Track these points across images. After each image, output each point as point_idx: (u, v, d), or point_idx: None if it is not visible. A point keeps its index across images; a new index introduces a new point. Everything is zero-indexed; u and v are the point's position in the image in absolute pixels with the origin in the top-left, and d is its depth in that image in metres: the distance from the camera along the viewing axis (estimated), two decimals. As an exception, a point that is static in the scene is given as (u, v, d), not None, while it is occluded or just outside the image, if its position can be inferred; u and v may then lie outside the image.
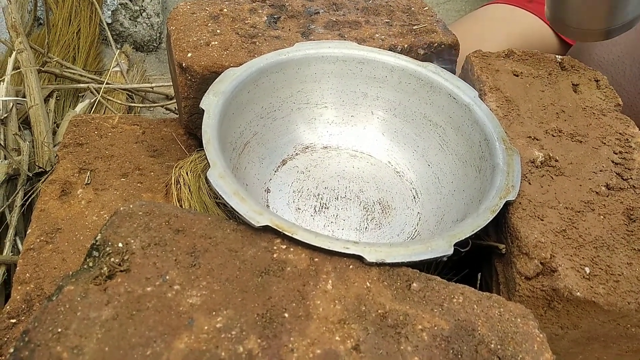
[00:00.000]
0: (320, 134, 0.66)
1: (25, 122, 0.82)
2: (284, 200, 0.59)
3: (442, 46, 0.69)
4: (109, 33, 1.17)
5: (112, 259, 0.41)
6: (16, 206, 0.70)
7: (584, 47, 0.84)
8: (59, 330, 0.36)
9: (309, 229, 0.44)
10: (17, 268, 0.54)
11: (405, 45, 0.67)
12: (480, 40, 0.93)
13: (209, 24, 0.67)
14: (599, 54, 0.81)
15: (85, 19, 1.13)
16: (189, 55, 0.61)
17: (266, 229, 0.43)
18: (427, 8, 0.75)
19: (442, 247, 0.44)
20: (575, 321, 0.46)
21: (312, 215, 0.58)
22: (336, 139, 0.66)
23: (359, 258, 0.42)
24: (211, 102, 0.53)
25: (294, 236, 0.43)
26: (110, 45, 1.17)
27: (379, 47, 0.66)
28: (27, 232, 0.57)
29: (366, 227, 0.58)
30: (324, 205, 0.59)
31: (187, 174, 0.62)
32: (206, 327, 0.37)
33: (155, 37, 1.26)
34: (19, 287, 0.52)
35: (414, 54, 0.67)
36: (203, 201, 0.60)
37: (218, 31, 0.66)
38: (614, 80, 0.76)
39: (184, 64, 0.60)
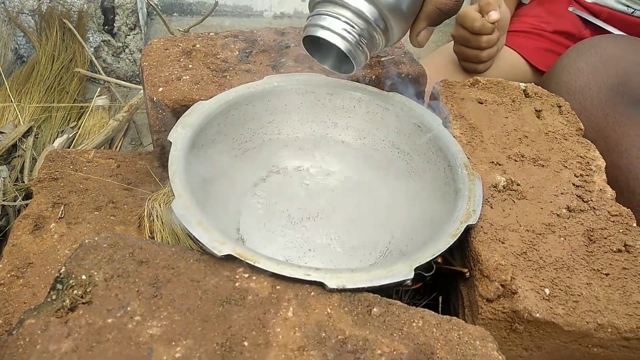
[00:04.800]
0: (292, 157, 0.67)
1: (2, 158, 0.83)
2: (255, 222, 0.60)
3: (409, 77, 0.71)
4: (98, 66, 1.19)
5: (75, 291, 0.41)
6: (-11, 242, 0.70)
7: (553, 75, 0.87)
8: (17, 364, 0.36)
9: (271, 256, 0.45)
10: (-13, 303, 0.54)
11: (374, 77, 0.69)
12: (452, 71, 0.96)
13: (181, 59, 0.69)
14: (567, 80, 0.84)
15: (68, 56, 1.15)
16: (160, 89, 0.63)
17: (229, 258, 0.44)
18: (395, 40, 0.77)
19: (403, 272, 0.45)
20: (538, 342, 0.47)
21: (282, 236, 0.59)
22: (308, 162, 0.68)
23: (321, 284, 0.43)
24: (179, 134, 0.55)
25: (256, 264, 0.43)
26: (96, 80, 1.19)
27: (348, 79, 0.68)
28: (-1, 268, 0.58)
29: (337, 247, 0.58)
30: (296, 225, 0.60)
31: (159, 206, 0.63)
32: (165, 358, 0.37)
33: (138, 73, 1.28)
34: (-13, 323, 0.52)
35: (382, 85, 0.69)
36: (175, 232, 0.61)
37: (190, 66, 0.67)
38: (581, 106, 0.78)
39: (154, 98, 0.62)
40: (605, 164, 0.60)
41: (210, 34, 0.75)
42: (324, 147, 0.68)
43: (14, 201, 0.75)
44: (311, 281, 0.43)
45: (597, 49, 0.85)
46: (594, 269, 0.49)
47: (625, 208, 0.55)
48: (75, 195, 0.65)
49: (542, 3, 1.13)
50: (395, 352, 0.40)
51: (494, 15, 0.83)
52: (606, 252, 0.50)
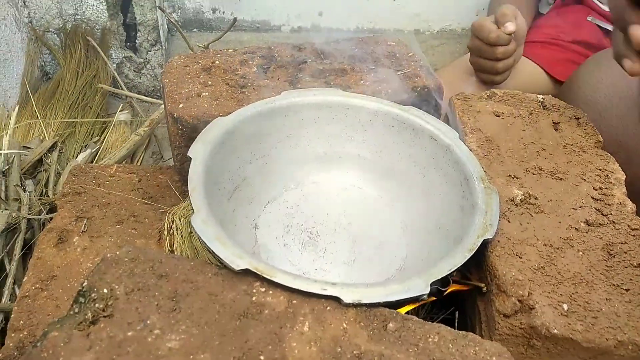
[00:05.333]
0: (309, 171, 0.68)
1: (28, 172, 0.85)
2: (273, 235, 0.61)
3: (426, 89, 0.71)
4: (121, 82, 1.22)
5: (97, 305, 0.42)
6: (15, 255, 0.72)
7: (572, 86, 0.86)
8: (41, 376, 0.37)
9: (288, 271, 0.45)
10: (12, 315, 0.55)
11: (389, 90, 0.70)
12: (469, 84, 0.96)
13: (201, 76, 0.70)
14: (586, 92, 0.83)
15: (91, 72, 1.18)
16: (181, 106, 0.64)
17: (246, 272, 0.45)
18: (411, 54, 0.78)
19: (419, 287, 0.45)
20: (557, 359, 0.46)
21: (299, 250, 0.59)
22: (325, 175, 0.68)
23: (337, 299, 0.43)
24: (199, 150, 0.56)
25: (273, 279, 0.44)
26: (118, 96, 1.22)
27: (364, 93, 0.68)
28: (24, 280, 0.59)
29: (354, 261, 0.59)
30: (313, 239, 0.61)
31: (179, 219, 0.64)
32: (183, 371, 0.38)
33: (159, 88, 1.31)
34: (13, 335, 0.54)
35: (399, 98, 0.70)
36: (194, 246, 0.62)
37: (209, 82, 0.69)
38: (601, 118, 0.77)
39: (175, 115, 0.63)
40: (625, 176, 0.60)
41: (229, 50, 0.77)
42: (341, 162, 0.69)
43: (39, 215, 0.77)
44: (327, 296, 0.43)
45: None
46: (614, 284, 0.48)
47: (646, 222, 0.54)
48: (98, 209, 0.67)
49: (561, 13, 1.12)
50: (411, 368, 0.40)
51: (510, 26, 0.83)
52: (626, 267, 0.50)
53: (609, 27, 1.06)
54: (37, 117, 1.02)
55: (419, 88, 0.71)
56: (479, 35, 0.87)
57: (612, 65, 0.83)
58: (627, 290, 0.48)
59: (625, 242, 0.52)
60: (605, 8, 1.08)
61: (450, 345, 0.41)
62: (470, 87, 0.93)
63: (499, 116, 0.67)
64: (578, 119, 0.68)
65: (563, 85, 0.94)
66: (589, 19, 1.08)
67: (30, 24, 1.18)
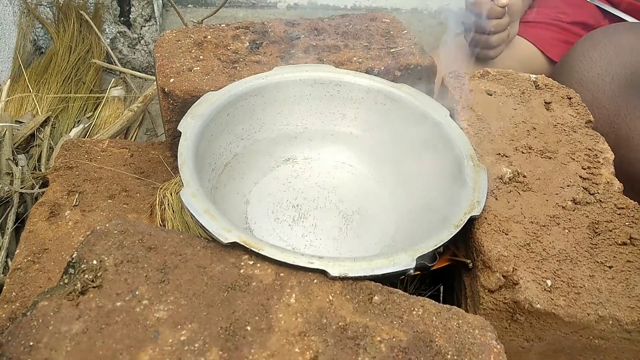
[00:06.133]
0: (301, 147, 0.68)
1: (21, 147, 0.85)
2: (263, 211, 0.61)
3: (419, 68, 0.71)
4: (114, 57, 1.21)
5: (86, 276, 0.43)
6: (7, 228, 0.72)
7: (566, 64, 0.86)
8: (31, 343, 0.38)
9: (276, 244, 0.46)
10: (4, 287, 0.56)
11: (382, 68, 0.70)
12: (463, 62, 0.95)
13: (193, 51, 0.70)
14: (580, 71, 0.83)
15: (85, 47, 1.17)
16: (172, 80, 0.64)
17: (235, 246, 0.45)
18: (405, 31, 0.77)
19: (405, 261, 0.45)
20: (539, 333, 0.47)
21: (290, 225, 0.60)
22: (317, 152, 0.69)
23: (323, 272, 0.44)
24: (188, 124, 0.56)
25: (261, 252, 0.44)
26: (112, 71, 1.21)
27: (357, 70, 0.68)
28: (16, 253, 0.60)
29: (344, 237, 0.59)
30: (303, 215, 0.61)
31: (170, 194, 0.65)
32: (170, 340, 0.39)
33: (153, 64, 1.30)
34: (5, 306, 0.54)
35: (391, 76, 0.70)
36: (185, 221, 0.62)
37: (201, 57, 0.69)
38: (593, 97, 0.77)
39: (166, 89, 0.63)
40: (614, 156, 0.60)
41: (222, 25, 0.76)
42: (332, 138, 0.69)
43: (32, 189, 0.77)
44: (314, 269, 0.44)
45: (612, 38, 0.84)
46: (598, 262, 0.49)
47: (632, 201, 0.54)
48: (90, 183, 0.67)
49: (561, -7, 1.11)
50: (394, 339, 0.40)
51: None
52: (611, 245, 0.50)
53: (609, 8, 1.06)
54: (30, 91, 1.02)
55: (412, 66, 0.70)
56: (473, 9, 0.87)
57: (607, 44, 0.83)
58: (610, 267, 0.49)
59: (611, 221, 0.53)
60: None
61: (434, 318, 0.42)
62: (464, 66, 0.93)
63: (491, 95, 0.68)
64: (570, 98, 0.68)
65: (557, 64, 0.93)
66: (589, 0, 1.07)
67: (22, -3, 1.17)
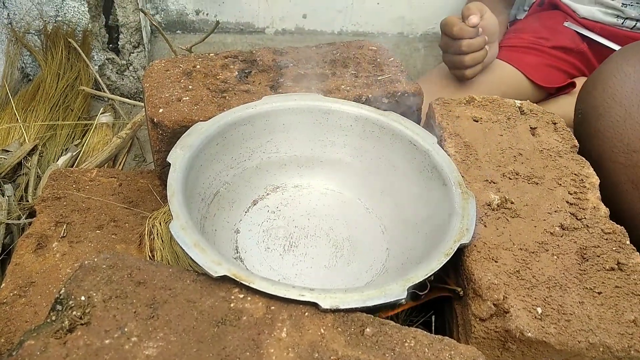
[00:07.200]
0: (290, 175, 0.69)
1: (8, 176, 0.84)
2: (254, 240, 0.61)
3: (406, 95, 0.72)
4: (102, 84, 1.21)
5: (74, 313, 0.42)
6: (-7, 261, 0.71)
7: (598, 80, 0.82)
8: (17, 385, 0.37)
9: (267, 276, 0.45)
10: (-11, 322, 0.55)
11: (370, 95, 0.70)
12: (449, 89, 0.97)
13: (182, 80, 0.70)
14: (613, 86, 0.79)
15: (73, 74, 1.17)
16: (161, 110, 0.64)
17: (225, 279, 0.45)
18: (392, 59, 0.79)
19: (396, 292, 0.45)
20: (531, 361, 0.47)
21: (281, 255, 0.60)
22: (307, 179, 0.69)
23: (315, 305, 0.44)
24: (178, 155, 0.56)
25: (251, 285, 0.44)
26: (101, 98, 1.21)
27: (345, 98, 0.69)
28: (1, 287, 0.59)
29: (335, 265, 0.59)
30: (294, 243, 0.61)
31: (160, 224, 0.64)
32: (160, 378, 0.38)
33: (142, 90, 1.30)
34: (-10, 342, 0.53)
35: (379, 103, 0.70)
36: (175, 251, 0.62)
37: (190, 87, 0.69)
38: (627, 113, 0.74)
39: (155, 119, 0.63)
40: (599, 181, 0.61)
41: (210, 54, 0.77)
42: (322, 166, 0.69)
43: (18, 220, 0.76)
44: (305, 301, 0.44)
45: None
46: (587, 288, 0.49)
47: (618, 226, 0.55)
48: (78, 214, 0.66)
49: (539, 18, 1.14)
50: (387, 372, 0.40)
51: (473, 19, 0.86)
52: (599, 271, 0.51)
53: (586, 32, 1.08)
54: (17, 119, 1.01)
55: (399, 93, 0.71)
56: (445, 31, 0.90)
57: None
58: (599, 293, 0.49)
59: (599, 246, 0.53)
60: (581, 14, 1.09)
61: (426, 349, 0.42)
62: (450, 93, 0.94)
63: (477, 121, 0.68)
64: (555, 123, 0.69)
65: (587, 80, 0.90)
66: (566, 24, 1.10)
67: (10, 25, 1.17)
